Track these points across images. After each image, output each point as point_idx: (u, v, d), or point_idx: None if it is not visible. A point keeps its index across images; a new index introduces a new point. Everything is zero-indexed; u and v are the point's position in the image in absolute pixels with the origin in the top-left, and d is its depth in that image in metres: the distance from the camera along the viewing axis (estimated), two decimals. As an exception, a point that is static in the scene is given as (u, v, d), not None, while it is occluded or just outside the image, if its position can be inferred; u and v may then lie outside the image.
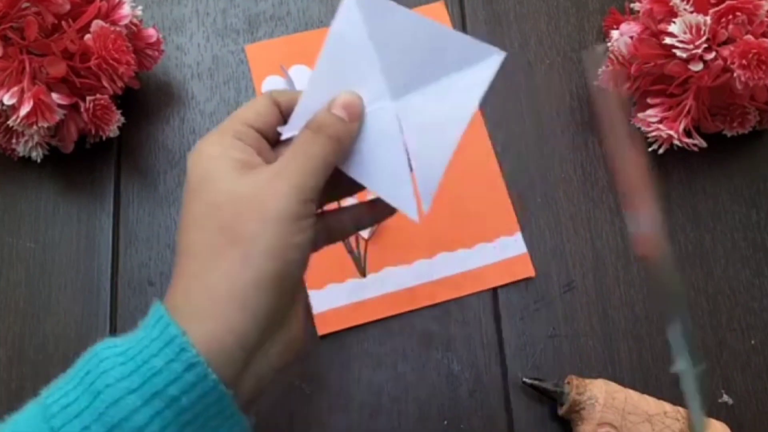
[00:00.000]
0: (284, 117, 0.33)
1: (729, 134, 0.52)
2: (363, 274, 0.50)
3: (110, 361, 0.27)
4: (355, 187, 0.34)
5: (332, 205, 0.37)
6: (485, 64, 0.32)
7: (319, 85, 0.33)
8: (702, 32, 0.45)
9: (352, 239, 0.51)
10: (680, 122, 0.48)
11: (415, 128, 0.33)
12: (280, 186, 0.29)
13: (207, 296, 0.28)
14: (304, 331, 0.33)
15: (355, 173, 0.33)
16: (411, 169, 0.33)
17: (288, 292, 0.30)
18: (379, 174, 0.33)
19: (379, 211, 0.36)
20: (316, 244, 0.36)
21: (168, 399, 0.26)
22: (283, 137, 0.33)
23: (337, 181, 0.33)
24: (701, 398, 0.32)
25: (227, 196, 0.29)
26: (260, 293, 0.28)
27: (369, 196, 0.35)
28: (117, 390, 0.26)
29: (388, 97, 0.33)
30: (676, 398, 0.47)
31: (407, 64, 0.33)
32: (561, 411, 0.45)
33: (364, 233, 0.51)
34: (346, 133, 0.32)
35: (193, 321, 0.27)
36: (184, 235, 0.30)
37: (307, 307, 0.35)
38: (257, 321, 0.28)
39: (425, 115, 0.33)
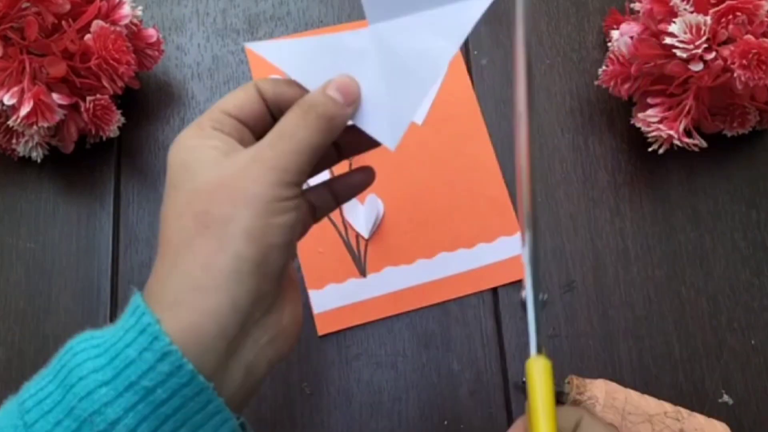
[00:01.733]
0: (269, 107, 0.32)
1: (729, 134, 0.52)
2: (363, 274, 0.50)
3: (84, 354, 0.26)
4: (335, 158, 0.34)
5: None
6: (475, 2, 0.32)
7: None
8: (702, 32, 0.45)
9: (352, 239, 0.51)
10: (680, 122, 0.48)
11: (391, 53, 0.31)
12: (258, 169, 0.28)
13: (182, 283, 0.27)
14: (299, 319, 0.31)
15: None
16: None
17: (271, 277, 0.28)
18: None
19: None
20: (304, 226, 0.35)
21: (142, 391, 0.25)
22: None
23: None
24: (537, 325, 0.32)
25: (205, 182, 0.28)
26: (238, 278, 0.27)
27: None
28: (89, 382, 0.25)
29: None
30: (676, 398, 0.47)
31: None
32: (561, 411, 0.45)
33: (364, 233, 0.51)
34: (339, 115, 0.30)
35: (168, 309, 0.26)
36: (164, 225, 0.29)
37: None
38: (236, 307, 0.27)
39: (404, 43, 0.31)
